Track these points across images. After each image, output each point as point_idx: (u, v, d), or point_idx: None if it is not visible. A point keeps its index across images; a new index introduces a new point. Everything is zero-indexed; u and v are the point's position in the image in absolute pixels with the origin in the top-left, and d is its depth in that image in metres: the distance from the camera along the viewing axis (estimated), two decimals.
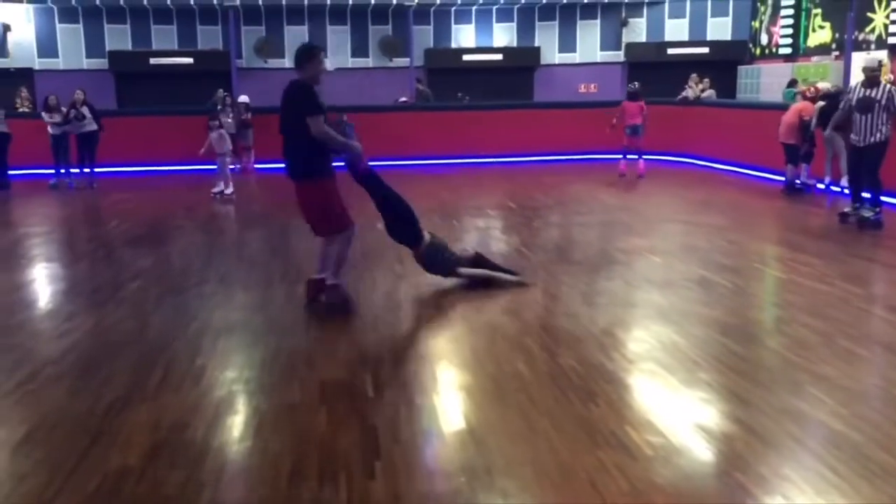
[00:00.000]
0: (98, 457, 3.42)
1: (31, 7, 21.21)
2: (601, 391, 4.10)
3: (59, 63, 21.78)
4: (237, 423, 3.85)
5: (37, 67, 21.67)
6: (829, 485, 3.11)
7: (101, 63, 21.80)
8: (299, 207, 5.80)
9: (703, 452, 3.45)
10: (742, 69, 21.98)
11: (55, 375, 4.48)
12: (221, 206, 10.98)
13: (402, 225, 6.25)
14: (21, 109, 16.83)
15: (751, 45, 22.54)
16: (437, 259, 6.17)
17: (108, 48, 21.88)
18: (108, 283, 6.74)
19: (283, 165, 5.72)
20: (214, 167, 14.22)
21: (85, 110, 12.90)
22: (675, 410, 3.87)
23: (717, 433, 3.61)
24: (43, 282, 7.11)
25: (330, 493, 3.12)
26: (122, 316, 5.74)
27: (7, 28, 21.34)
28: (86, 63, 21.91)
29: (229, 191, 11.56)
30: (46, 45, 21.74)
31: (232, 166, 14.54)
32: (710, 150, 14.62)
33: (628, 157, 13.21)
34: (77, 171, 13.00)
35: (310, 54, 5.65)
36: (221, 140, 11.64)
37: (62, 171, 13.02)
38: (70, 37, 21.84)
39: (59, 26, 21.75)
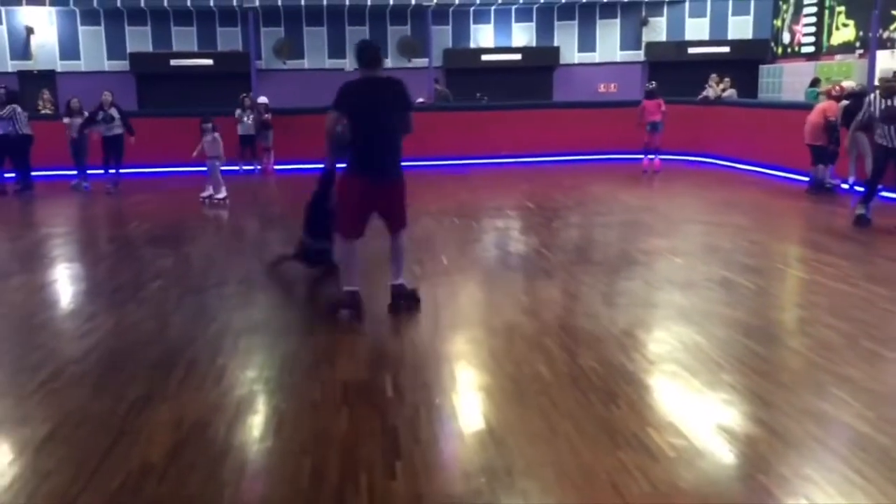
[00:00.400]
0: (121, 455, 3.45)
1: (53, 10, 21.44)
2: (622, 392, 4.08)
3: (81, 65, 21.99)
4: (258, 423, 3.86)
5: (59, 70, 21.89)
6: (855, 487, 3.07)
7: (122, 65, 21.98)
8: (383, 207, 5.65)
9: (725, 454, 3.41)
10: (764, 68, 21.80)
11: (78, 375, 4.52)
12: (226, 208, 10.98)
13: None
14: (43, 111, 16.98)
15: (773, 44, 22.35)
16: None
17: (129, 50, 22.06)
18: (129, 284, 6.79)
19: (320, 166, 5.90)
20: (235, 168, 14.33)
21: (113, 111, 12.76)
22: (698, 412, 3.84)
23: (740, 435, 3.58)
24: (65, 282, 7.17)
25: (351, 492, 3.12)
26: (144, 316, 5.78)
27: (30, 31, 21.58)
28: (107, 65, 22.11)
29: (220, 195, 11.12)
30: (68, 48, 21.96)
31: (251, 167, 14.67)
32: (731, 150, 14.51)
33: (648, 154, 13.68)
34: (102, 172, 12.96)
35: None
36: (215, 144, 11.19)
37: (85, 172, 12.97)
38: (92, 39, 22.04)
39: (80, 28, 21.95)
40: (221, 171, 11.24)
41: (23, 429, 3.77)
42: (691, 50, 22.69)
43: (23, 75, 21.42)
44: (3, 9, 21.21)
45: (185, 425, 3.76)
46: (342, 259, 5.73)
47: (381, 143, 5.44)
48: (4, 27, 21.65)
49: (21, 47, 21.73)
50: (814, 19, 20.23)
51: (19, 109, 12.41)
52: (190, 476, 3.26)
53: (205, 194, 11.20)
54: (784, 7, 21.75)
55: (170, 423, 3.77)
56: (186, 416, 3.87)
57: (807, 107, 12.56)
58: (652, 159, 13.56)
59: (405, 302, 5.65)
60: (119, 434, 3.67)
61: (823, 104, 11.20)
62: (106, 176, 12.85)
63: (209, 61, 22.07)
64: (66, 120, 13.08)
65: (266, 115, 14.69)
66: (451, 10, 22.52)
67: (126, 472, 3.29)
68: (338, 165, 5.89)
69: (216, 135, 11.18)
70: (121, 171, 12.97)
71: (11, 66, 21.68)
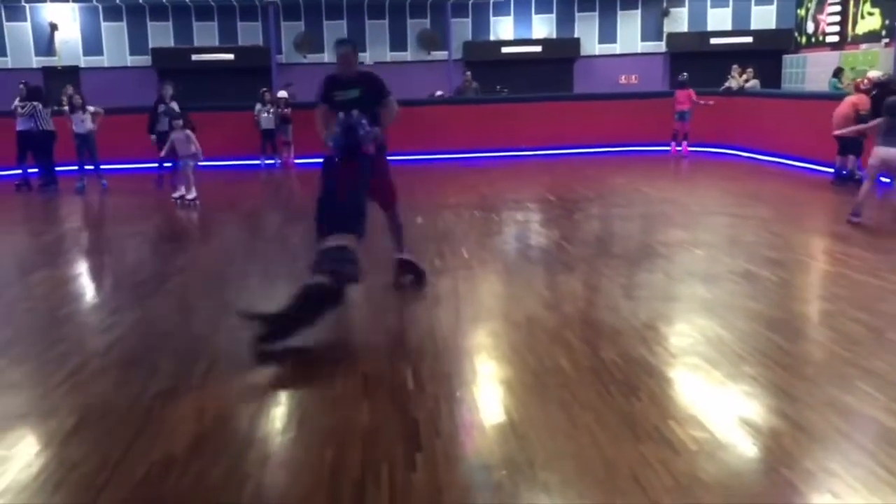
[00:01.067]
0: (144, 447, 3.48)
1: (76, 6, 21.64)
2: (643, 385, 4.06)
3: (104, 61, 22.20)
4: (280, 415, 3.89)
5: (82, 65, 22.10)
6: (881, 482, 3.03)
7: (144, 60, 22.17)
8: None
9: (748, 448, 3.39)
10: (787, 58, 21.57)
11: (102, 367, 4.57)
12: (269, 196, 11.01)
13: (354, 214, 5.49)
14: (65, 108, 17.12)
15: (796, 34, 22.10)
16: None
17: (150, 45, 22.24)
18: (152, 277, 6.85)
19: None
20: (257, 162, 14.42)
21: (175, 105, 11.85)
22: (720, 405, 3.81)
23: (763, 428, 3.55)
24: (88, 276, 7.26)
25: (372, 484, 3.13)
26: (166, 309, 5.83)
27: (54, 27, 21.80)
28: (129, 60, 22.30)
29: (191, 196, 10.39)
30: (91, 44, 22.16)
31: (272, 161, 14.74)
32: (754, 141, 14.37)
33: (676, 141, 14.81)
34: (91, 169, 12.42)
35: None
36: (187, 142, 10.46)
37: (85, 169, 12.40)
38: (114, 35, 22.24)
39: (103, 24, 22.15)
40: (196, 169, 10.59)
41: (49, 420, 3.82)
42: (713, 40, 22.49)
43: (47, 71, 21.65)
44: (27, 6, 21.44)
45: (208, 418, 3.79)
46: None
47: None
48: (29, 24, 21.89)
49: (45, 44, 21.97)
50: (838, 8, 19.97)
51: (40, 106, 12.42)
52: (212, 468, 3.29)
53: (176, 194, 10.60)
54: None
55: (192, 416, 3.81)
56: (209, 408, 3.90)
57: (831, 97, 12.40)
58: (679, 147, 14.62)
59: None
60: (143, 426, 3.71)
61: (853, 97, 11.03)
62: (169, 169, 11.60)
63: (230, 56, 22.21)
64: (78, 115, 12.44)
65: (285, 110, 14.74)
66: (470, 2, 22.47)
67: (150, 464, 3.32)
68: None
69: (188, 132, 10.53)
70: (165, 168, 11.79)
71: (36, 62, 21.93)
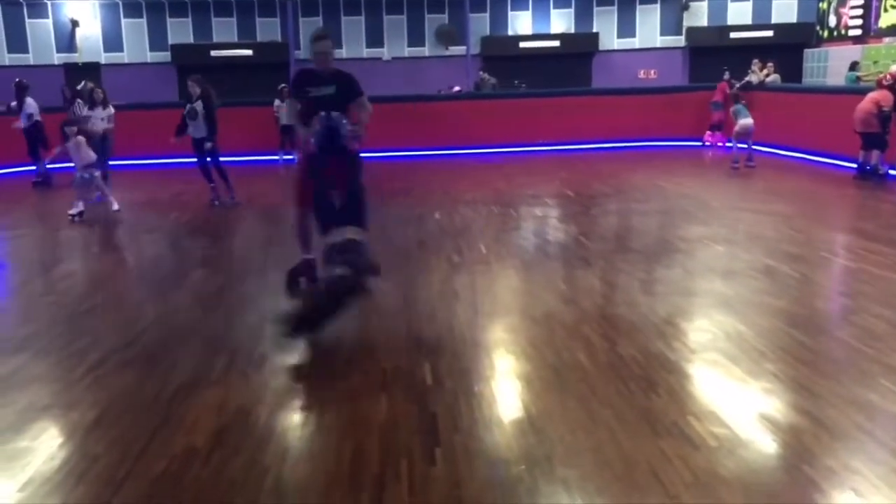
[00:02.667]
0: (165, 440, 3.52)
1: (97, 3, 21.80)
2: (662, 381, 4.05)
3: (124, 57, 22.36)
4: (299, 409, 3.91)
5: (103, 62, 22.27)
6: None
7: (163, 56, 22.31)
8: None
9: (769, 444, 3.37)
10: (808, 52, 21.36)
11: (124, 361, 4.61)
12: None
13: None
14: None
15: (818, 28, 21.87)
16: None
17: (170, 41, 22.37)
18: (173, 272, 6.90)
19: None
20: (275, 157, 14.45)
21: (199, 105, 10.16)
22: (740, 401, 3.79)
23: (784, 425, 3.53)
24: (110, 271, 7.31)
25: (391, 478, 3.14)
26: (187, 304, 5.87)
27: (75, 24, 21.98)
28: (149, 56, 22.45)
29: (74, 210, 9.17)
30: (112, 40, 22.33)
31: (290, 157, 14.77)
32: (775, 136, 14.24)
33: (711, 132, 15.63)
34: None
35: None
36: (81, 150, 9.28)
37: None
38: (134, 31, 22.39)
39: (123, 21, 22.31)
40: (102, 178, 9.69)
41: (72, 413, 3.86)
42: (733, 34, 22.33)
43: (68, 68, 21.84)
44: (49, 3, 21.62)
45: (228, 411, 3.82)
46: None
47: None
48: (51, 21, 22.08)
49: (66, 40, 22.15)
50: (861, 1, 19.74)
51: (81, 102, 12.34)
52: (233, 461, 3.32)
53: (73, 211, 9.20)
54: None
55: (213, 409, 3.84)
56: (229, 401, 3.93)
57: (853, 91, 12.27)
58: (713, 134, 15.44)
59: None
60: (164, 419, 3.74)
61: (876, 93, 10.89)
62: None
63: (249, 52, 22.31)
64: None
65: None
66: None
67: (170, 457, 3.35)
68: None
69: (79, 139, 9.35)
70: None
71: (57, 58, 22.12)
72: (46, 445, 3.50)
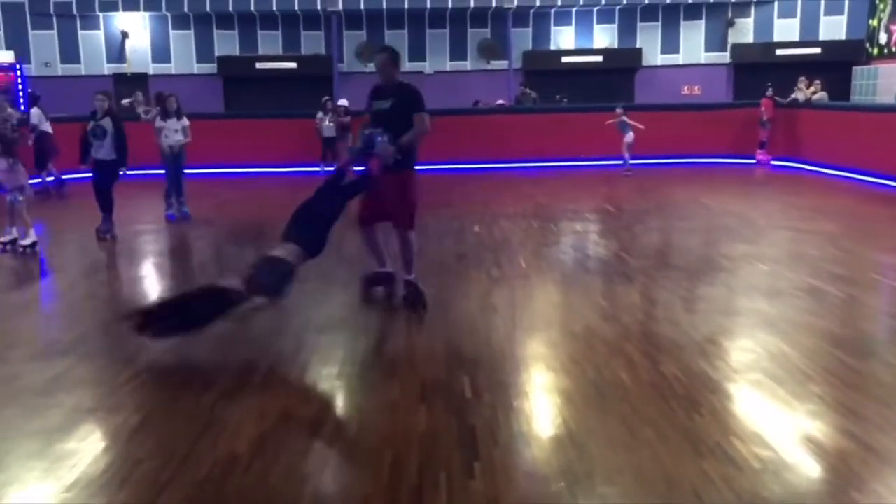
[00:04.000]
0: (208, 445, 3.56)
1: (147, 15, 22.27)
2: (705, 401, 3.99)
3: (172, 68, 22.77)
4: (339, 418, 3.94)
5: (151, 72, 22.72)
6: None
7: (210, 68, 22.67)
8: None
9: (814, 468, 3.30)
10: (857, 70, 20.98)
11: (167, 366, 4.69)
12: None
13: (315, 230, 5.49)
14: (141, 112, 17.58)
15: (867, 45, 21.49)
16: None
17: (216, 53, 22.74)
18: (216, 279, 6.97)
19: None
20: (317, 169, 14.54)
21: (107, 123, 9.02)
22: (785, 423, 3.72)
23: (830, 448, 3.45)
24: (153, 276, 7.44)
25: (430, 490, 3.14)
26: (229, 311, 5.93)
27: (125, 35, 22.48)
28: (196, 68, 22.83)
29: (27, 241, 8.01)
30: (160, 51, 22.76)
31: (332, 169, 14.92)
32: (821, 154, 14.02)
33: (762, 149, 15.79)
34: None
35: None
36: (13, 173, 8.15)
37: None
38: (182, 43, 22.80)
39: (172, 33, 22.73)
40: (25, 204, 8.14)
41: (116, 416, 3.93)
42: (779, 51, 22.00)
43: (117, 78, 22.33)
44: (101, 15, 22.15)
45: (270, 418, 3.85)
46: (415, 250, 5.89)
47: None
48: (102, 32, 22.60)
49: (116, 51, 22.65)
50: None
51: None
52: (273, 468, 3.34)
53: (4, 239, 8.15)
54: (881, 6, 20.86)
55: (254, 416, 3.87)
56: (270, 408, 3.96)
57: None
58: (762, 152, 15.59)
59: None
60: (206, 425, 3.78)
61: None
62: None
63: (293, 64, 22.55)
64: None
65: (345, 118, 14.92)
66: (531, 12, 22.42)
67: (212, 463, 3.39)
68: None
69: (12, 160, 8.19)
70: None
71: (107, 69, 22.62)
72: (92, 448, 3.56)
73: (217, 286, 5.13)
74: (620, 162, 14.16)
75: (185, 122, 10.29)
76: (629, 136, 14.04)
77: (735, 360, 4.67)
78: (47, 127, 13.06)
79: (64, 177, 12.85)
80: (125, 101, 13.91)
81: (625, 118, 14.14)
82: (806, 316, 5.52)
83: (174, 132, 10.12)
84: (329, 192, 5.64)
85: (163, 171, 10.41)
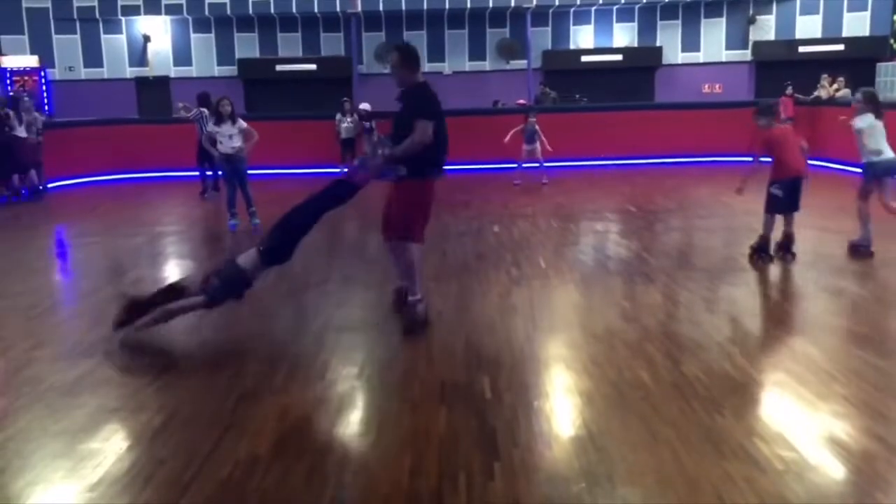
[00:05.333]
0: (230, 446, 3.58)
1: (168, 19, 22.47)
2: (727, 402, 3.96)
3: (193, 71, 22.97)
4: (359, 419, 3.94)
5: (172, 75, 22.92)
6: None
7: (230, 70, 22.86)
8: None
9: (839, 470, 3.26)
10: (881, 66, 20.74)
11: (189, 368, 4.73)
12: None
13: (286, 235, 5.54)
14: (175, 115, 17.70)
15: (892, 41, 21.24)
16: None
17: (237, 56, 22.91)
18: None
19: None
20: (336, 170, 14.61)
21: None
22: (809, 424, 3.69)
23: (856, 450, 3.41)
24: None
25: (449, 491, 3.14)
26: (250, 313, 5.96)
27: (147, 39, 22.70)
28: (217, 70, 23.02)
29: None
30: (181, 55, 22.98)
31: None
32: (845, 152, 13.83)
33: None
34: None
35: None
36: None
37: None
38: (203, 46, 23.00)
39: (192, 36, 22.94)
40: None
41: (139, 416, 3.97)
42: (802, 49, 21.84)
43: (139, 81, 22.57)
44: (123, 19, 22.38)
45: (290, 419, 3.87)
46: (417, 266, 5.44)
47: (447, 143, 5.35)
48: (124, 36, 22.84)
49: (138, 55, 22.89)
50: None
51: (206, 112, 11.95)
52: (294, 468, 3.36)
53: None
54: None
55: (275, 417, 3.89)
56: (291, 410, 3.98)
57: None
58: None
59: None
60: (228, 426, 3.81)
61: None
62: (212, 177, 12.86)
63: (313, 66, 22.69)
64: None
65: (366, 124, 14.92)
66: (550, 11, 22.39)
67: (234, 463, 3.41)
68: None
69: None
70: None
71: (129, 72, 22.86)
72: (116, 447, 3.60)
73: (177, 285, 5.44)
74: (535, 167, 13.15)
75: (242, 124, 9.65)
76: (535, 145, 12.85)
77: (758, 361, 4.63)
78: (22, 132, 12.73)
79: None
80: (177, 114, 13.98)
81: (536, 126, 13.04)
82: (830, 316, 5.46)
83: (229, 138, 9.51)
84: (322, 198, 5.65)
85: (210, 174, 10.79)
